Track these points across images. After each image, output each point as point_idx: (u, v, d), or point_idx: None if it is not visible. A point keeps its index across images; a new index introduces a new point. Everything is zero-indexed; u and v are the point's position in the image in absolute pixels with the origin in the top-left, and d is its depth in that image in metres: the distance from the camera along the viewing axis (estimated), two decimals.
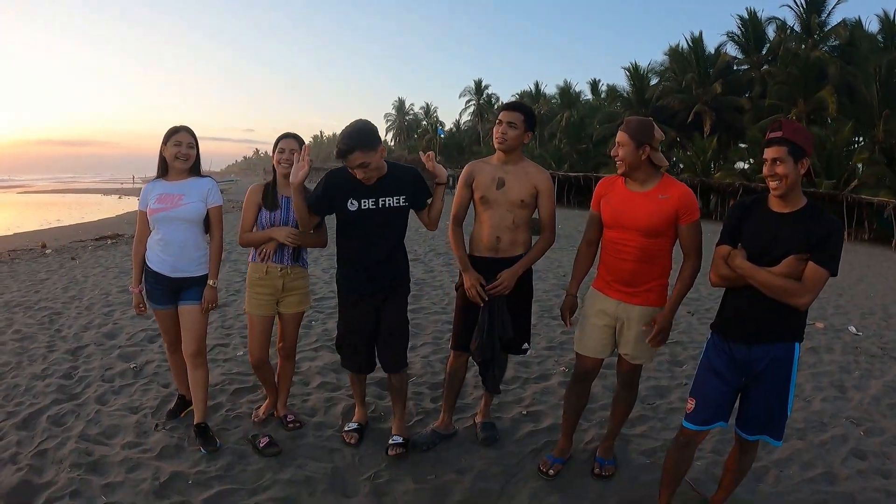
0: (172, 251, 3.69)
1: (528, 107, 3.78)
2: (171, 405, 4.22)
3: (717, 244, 2.88)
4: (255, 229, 3.84)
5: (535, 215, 3.77)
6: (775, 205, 2.78)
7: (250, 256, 3.86)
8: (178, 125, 3.74)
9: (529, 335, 3.95)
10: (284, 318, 3.95)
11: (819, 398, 5.07)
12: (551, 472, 3.53)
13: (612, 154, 3.27)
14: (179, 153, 3.69)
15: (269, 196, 3.80)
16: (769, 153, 2.70)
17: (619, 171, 3.25)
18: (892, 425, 4.62)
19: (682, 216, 3.17)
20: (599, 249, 3.48)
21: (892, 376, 5.88)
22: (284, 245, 3.77)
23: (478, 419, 4.10)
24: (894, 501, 3.53)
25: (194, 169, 3.81)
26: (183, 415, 4.12)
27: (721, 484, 3.20)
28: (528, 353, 4.03)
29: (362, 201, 3.45)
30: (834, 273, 2.65)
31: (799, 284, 2.62)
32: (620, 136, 3.20)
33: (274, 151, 3.85)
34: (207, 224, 3.82)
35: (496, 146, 3.70)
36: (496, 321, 3.58)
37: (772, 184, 2.70)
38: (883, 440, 4.35)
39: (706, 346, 3.01)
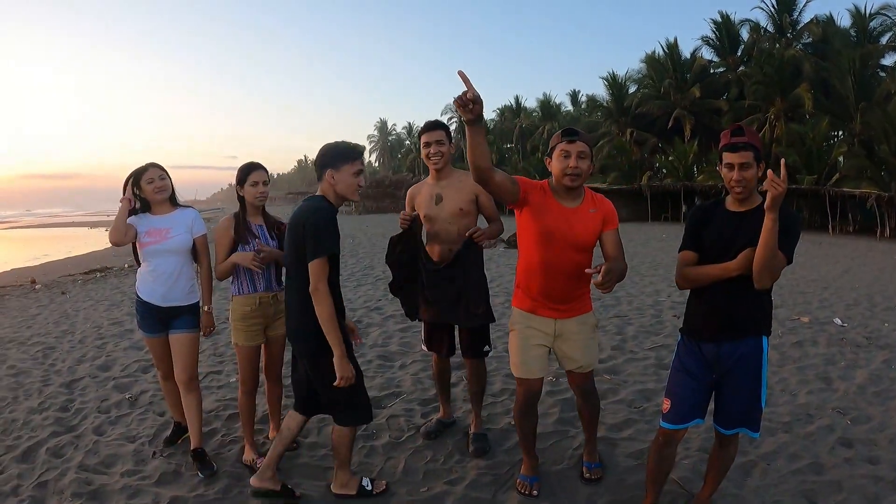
0: (164, 281, 3.78)
1: (443, 122, 3.99)
2: (168, 433, 4.27)
3: (680, 250, 2.96)
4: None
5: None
6: (734, 206, 2.87)
7: (233, 290, 3.84)
8: (142, 165, 3.85)
9: (489, 339, 4.09)
10: (273, 342, 3.96)
11: (805, 391, 5.14)
12: (534, 493, 3.49)
13: (566, 167, 3.11)
14: (156, 187, 3.79)
15: (241, 228, 3.77)
16: (735, 158, 2.73)
17: (574, 184, 3.14)
18: (878, 412, 4.68)
19: (607, 223, 3.24)
20: (526, 270, 3.33)
21: (876, 364, 5.95)
22: (267, 271, 3.81)
23: (470, 430, 4.16)
24: (882, 486, 3.57)
25: (173, 199, 3.92)
26: (179, 441, 4.16)
27: (706, 479, 3.25)
28: (490, 354, 4.15)
29: None
30: (790, 260, 2.72)
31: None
32: (583, 147, 3.12)
33: (243, 184, 3.80)
34: (195, 253, 3.91)
35: (433, 168, 3.91)
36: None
37: (737, 189, 2.77)
38: (869, 427, 4.40)
39: (677, 348, 3.07)
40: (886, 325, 7.93)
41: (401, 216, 3.88)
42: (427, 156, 3.90)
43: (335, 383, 3.09)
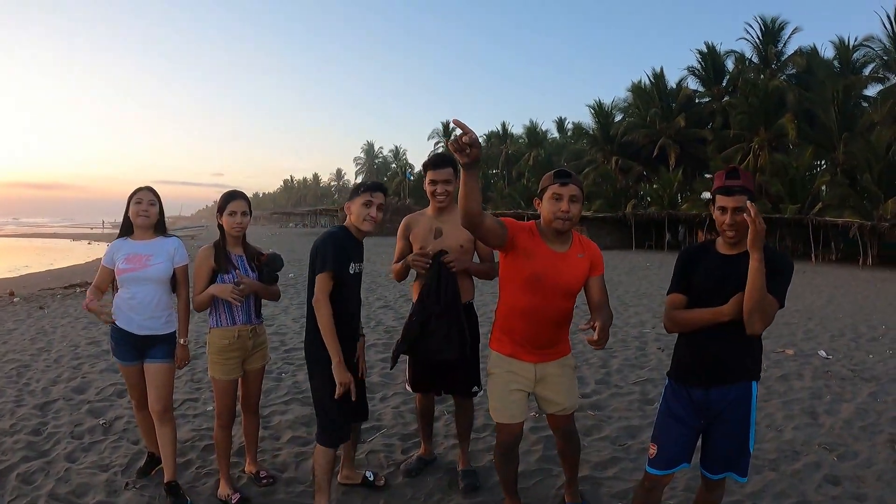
0: (140, 310, 3.67)
1: (451, 157, 3.74)
2: (141, 463, 4.14)
3: (668, 292, 2.91)
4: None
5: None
6: (725, 249, 2.82)
7: (211, 323, 3.76)
8: (139, 186, 3.80)
9: (479, 378, 3.95)
10: (251, 375, 3.89)
11: (791, 427, 5.11)
12: None
13: (558, 210, 2.97)
14: (140, 210, 3.72)
15: (221, 258, 3.70)
16: (729, 202, 2.68)
17: (565, 228, 3.01)
18: (864, 448, 4.66)
19: (594, 268, 3.15)
20: (509, 314, 3.22)
21: (862, 398, 5.95)
22: (247, 303, 3.74)
23: (459, 467, 4.07)
24: None
25: (159, 227, 3.83)
26: (153, 473, 4.04)
27: None
28: (479, 394, 4.02)
29: (359, 265, 3.47)
30: (782, 304, 2.68)
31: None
32: (575, 190, 2.98)
33: (222, 213, 3.74)
34: (174, 282, 3.81)
35: (438, 205, 3.80)
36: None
37: (729, 233, 2.72)
38: (856, 463, 4.38)
39: (664, 392, 3.02)
40: (871, 356, 7.94)
41: (418, 256, 3.69)
42: (433, 193, 3.80)
43: (335, 392, 3.23)
